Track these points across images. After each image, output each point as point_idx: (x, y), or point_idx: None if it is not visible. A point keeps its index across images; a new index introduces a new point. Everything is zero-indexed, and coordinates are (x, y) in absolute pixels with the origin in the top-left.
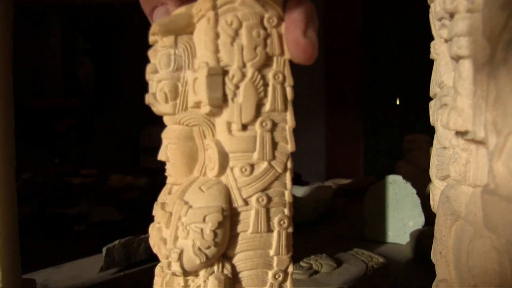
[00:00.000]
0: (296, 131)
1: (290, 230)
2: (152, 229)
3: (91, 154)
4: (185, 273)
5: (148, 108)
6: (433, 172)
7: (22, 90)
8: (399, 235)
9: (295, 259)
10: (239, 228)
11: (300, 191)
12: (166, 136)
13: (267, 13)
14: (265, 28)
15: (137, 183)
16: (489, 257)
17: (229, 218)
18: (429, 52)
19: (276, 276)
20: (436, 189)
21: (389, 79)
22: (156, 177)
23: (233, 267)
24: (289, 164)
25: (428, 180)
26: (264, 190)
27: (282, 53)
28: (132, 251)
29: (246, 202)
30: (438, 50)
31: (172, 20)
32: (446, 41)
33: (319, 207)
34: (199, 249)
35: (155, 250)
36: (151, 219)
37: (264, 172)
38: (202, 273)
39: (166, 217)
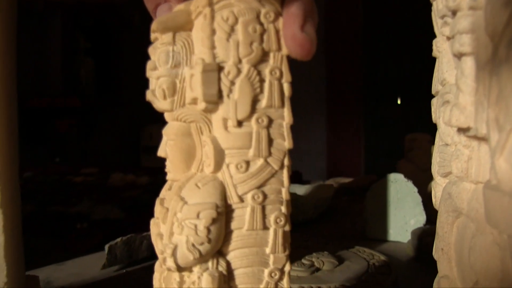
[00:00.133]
0: (297, 130)
1: (287, 228)
2: (153, 224)
3: (92, 153)
4: (179, 269)
5: (148, 107)
6: (435, 169)
7: (23, 89)
8: (401, 234)
9: (296, 257)
10: (235, 225)
11: (302, 190)
12: (165, 133)
13: (264, 8)
14: (261, 24)
15: (138, 182)
16: (491, 254)
17: (224, 214)
18: (429, 51)
19: (272, 275)
20: (438, 186)
21: (389, 78)
22: (157, 176)
23: (228, 264)
24: (286, 161)
25: (429, 179)
26: (259, 187)
27: (279, 48)
28: (134, 248)
29: (241, 199)
30: (440, 47)
31: (170, 17)
32: (448, 38)
33: (321, 205)
34: (193, 245)
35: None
36: (152, 217)
37: (260, 169)
38: (196, 269)
39: (163, 212)
